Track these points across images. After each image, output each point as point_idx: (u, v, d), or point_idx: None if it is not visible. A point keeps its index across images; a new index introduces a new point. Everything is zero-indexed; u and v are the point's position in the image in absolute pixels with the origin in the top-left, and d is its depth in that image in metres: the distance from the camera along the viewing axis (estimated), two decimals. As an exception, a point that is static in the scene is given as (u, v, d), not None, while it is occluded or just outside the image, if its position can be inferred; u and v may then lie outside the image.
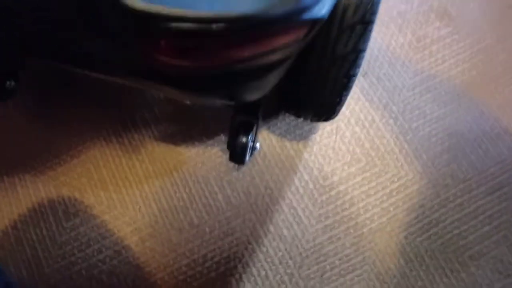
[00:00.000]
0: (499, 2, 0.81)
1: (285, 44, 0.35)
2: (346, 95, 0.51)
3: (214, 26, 0.28)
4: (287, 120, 0.74)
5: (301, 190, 0.70)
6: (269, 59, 0.37)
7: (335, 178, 0.70)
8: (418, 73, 0.76)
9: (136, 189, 0.72)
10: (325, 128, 0.73)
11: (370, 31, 0.44)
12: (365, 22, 0.42)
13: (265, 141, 0.73)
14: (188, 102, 0.52)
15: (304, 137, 0.73)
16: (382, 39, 0.78)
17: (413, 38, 0.78)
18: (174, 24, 0.28)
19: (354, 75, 0.47)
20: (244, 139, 0.62)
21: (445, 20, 0.79)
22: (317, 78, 0.48)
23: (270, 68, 0.39)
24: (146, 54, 0.34)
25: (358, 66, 0.46)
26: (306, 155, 0.72)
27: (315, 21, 0.34)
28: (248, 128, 0.62)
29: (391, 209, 0.69)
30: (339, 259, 0.66)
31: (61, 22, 0.38)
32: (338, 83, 0.47)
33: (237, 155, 0.62)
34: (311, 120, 0.66)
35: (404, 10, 0.80)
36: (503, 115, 0.74)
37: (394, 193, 0.69)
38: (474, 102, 0.75)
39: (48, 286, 0.69)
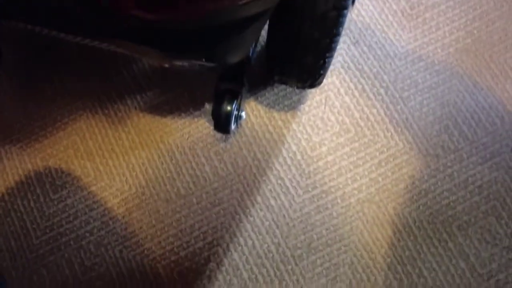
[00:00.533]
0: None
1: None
2: (330, 58, 0.49)
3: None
4: (275, 91, 0.72)
5: (288, 161, 0.69)
6: (244, 11, 0.35)
7: (324, 149, 0.69)
8: (411, 41, 0.74)
9: (122, 160, 0.71)
10: (314, 98, 0.71)
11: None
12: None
13: (253, 112, 0.71)
14: (167, 66, 0.50)
15: (292, 107, 0.71)
16: (374, 6, 0.75)
17: (407, 5, 0.76)
18: None
19: (337, 34, 0.45)
20: (228, 107, 0.61)
21: (441, -14, 0.76)
22: (299, 39, 0.46)
23: (246, 23, 0.38)
24: (119, 8, 0.32)
25: (341, 25, 0.44)
26: (294, 125, 0.70)
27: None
28: (232, 96, 0.61)
29: (380, 179, 0.68)
30: (326, 229, 0.66)
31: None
32: (321, 44, 0.46)
33: (222, 123, 0.61)
34: (297, 87, 0.65)
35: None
36: (496, 85, 0.72)
37: (383, 163, 0.68)
38: (467, 71, 0.73)
39: (37, 256, 0.70)
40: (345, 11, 0.45)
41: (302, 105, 0.71)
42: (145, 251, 0.68)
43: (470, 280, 0.65)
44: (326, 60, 0.49)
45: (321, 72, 0.52)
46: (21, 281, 0.68)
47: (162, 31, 0.37)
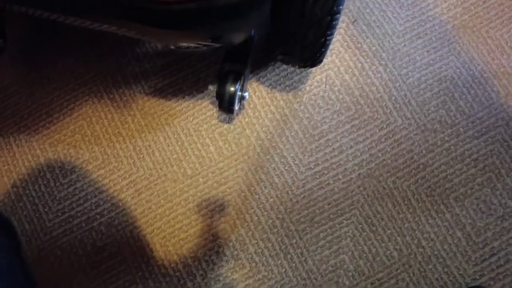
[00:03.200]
0: None
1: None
2: (331, 35, 0.51)
3: None
4: (277, 71, 0.73)
5: (291, 140, 0.71)
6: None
7: (325, 127, 0.71)
8: (409, 19, 0.75)
9: (129, 143, 0.73)
10: (314, 78, 0.73)
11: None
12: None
13: (255, 92, 0.73)
14: (173, 48, 0.52)
15: (294, 87, 0.73)
16: (373, -16, 0.76)
17: (405, -17, 0.76)
18: None
19: (338, 12, 0.47)
20: (232, 88, 0.62)
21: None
22: (302, 17, 0.47)
23: (250, 2, 0.39)
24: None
25: (341, 3, 0.46)
26: (296, 105, 0.72)
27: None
28: (236, 77, 0.62)
29: (380, 155, 0.70)
30: (328, 204, 0.69)
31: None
32: (323, 22, 0.47)
33: (226, 103, 0.63)
34: (299, 66, 0.66)
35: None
36: (493, 60, 0.74)
37: (382, 140, 0.70)
38: (464, 47, 0.74)
39: (51, 238, 0.72)
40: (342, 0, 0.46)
41: (303, 85, 0.73)
42: (155, 230, 0.71)
43: (466, 248, 0.68)
44: (327, 38, 0.50)
45: (323, 50, 0.54)
46: (38, 262, 0.71)
47: (170, 11, 0.38)
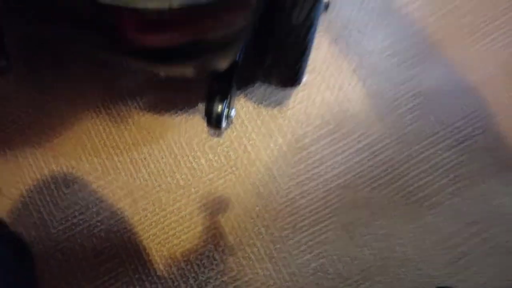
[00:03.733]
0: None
1: (233, 20, 0.40)
2: (306, 59, 0.56)
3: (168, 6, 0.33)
4: (263, 88, 0.79)
5: (275, 152, 0.77)
6: (227, 30, 0.42)
7: (307, 140, 0.76)
8: (387, 38, 0.80)
9: (126, 156, 0.79)
10: (297, 94, 0.78)
11: (320, 3, 0.49)
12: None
13: (243, 108, 0.78)
14: (162, 74, 0.57)
15: (278, 103, 0.78)
16: (353, 3, 0.81)
17: (382, 4, 0.81)
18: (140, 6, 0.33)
19: (310, 43, 0.52)
20: (219, 107, 0.67)
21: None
22: (277, 47, 0.53)
23: (230, 39, 0.44)
24: (120, 35, 0.39)
25: (314, 32, 0.51)
26: (280, 120, 0.78)
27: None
28: (222, 96, 0.68)
29: (357, 166, 0.75)
30: (309, 212, 0.74)
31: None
32: (295, 51, 0.53)
33: (213, 122, 0.68)
34: (280, 86, 0.71)
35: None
36: (467, 73, 0.79)
37: (360, 152, 0.76)
38: (440, 63, 0.79)
39: (55, 244, 0.79)
40: (317, 20, 0.51)
41: (287, 101, 0.78)
42: (151, 236, 0.77)
43: (437, 252, 0.73)
44: (303, 61, 0.56)
45: (300, 71, 0.59)
46: (42, 265, 0.78)
47: (162, 51, 0.43)
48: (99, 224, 0.78)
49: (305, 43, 0.53)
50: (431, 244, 0.73)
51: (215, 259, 0.75)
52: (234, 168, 0.77)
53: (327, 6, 0.66)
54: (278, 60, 0.57)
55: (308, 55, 0.56)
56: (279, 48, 0.54)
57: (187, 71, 0.54)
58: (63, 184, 0.80)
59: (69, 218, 0.79)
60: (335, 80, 0.78)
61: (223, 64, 0.55)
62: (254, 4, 0.40)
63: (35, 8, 0.48)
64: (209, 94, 0.68)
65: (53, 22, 0.50)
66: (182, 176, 0.77)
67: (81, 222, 0.79)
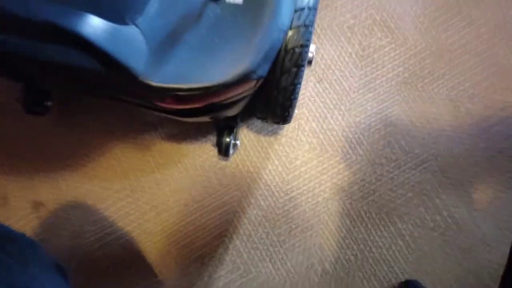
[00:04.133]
0: (429, 17, 1.00)
1: (242, 93, 0.57)
2: (293, 107, 0.73)
3: (198, 92, 0.51)
4: (261, 121, 0.96)
5: (273, 172, 0.94)
6: (235, 98, 0.59)
7: (298, 162, 0.94)
8: (363, 77, 0.98)
9: (151, 177, 0.96)
10: (290, 125, 0.95)
11: (303, 71, 0.66)
12: (296, 64, 0.63)
13: (246, 136, 0.96)
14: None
15: (274, 132, 0.96)
16: (334, 50, 0.99)
17: (359, 48, 0.99)
18: (181, 93, 0.50)
19: (295, 98, 0.70)
20: (227, 139, 0.85)
21: (385, 32, 1.00)
22: (271, 100, 0.70)
23: (237, 101, 0.62)
24: (161, 103, 0.56)
25: (299, 87, 0.68)
26: (276, 145, 0.95)
27: (258, 78, 0.55)
28: (229, 130, 0.85)
29: (339, 183, 0.93)
30: (302, 220, 0.91)
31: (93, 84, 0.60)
32: (284, 103, 0.70)
33: (223, 150, 0.85)
34: (274, 123, 0.89)
35: (353, 24, 1.00)
36: (427, 108, 0.96)
37: (341, 171, 0.93)
38: (405, 99, 0.97)
39: (87, 252, 0.95)
40: (299, 86, 0.69)
41: (281, 131, 0.95)
42: (172, 243, 0.93)
43: (406, 253, 0.90)
44: (290, 110, 0.73)
45: (289, 115, 0.76)
46: (75, 271, 0.94)
47: (182, 110, 0.61)
48: (128, 233, 0.95)
49: (292, 97, 0.71)
50: (400, 246, 0.90)
51: (225, 260, 0.91)
52: (239, 186, 0.94)
53: (310, 61, 0.83)
54: (271, 109, 0.74)
55: (295, 103, 0.74)
56: (272, 102, 0.71)
57: (204, 119, 0.71)
58: (97, 201, 0.97)
59: (99, 231, 0.95)
60: (319, 113, 0.96)
61: (232, 113, 0.73)
62: (257, 81, 0.57)
63: (86, 86, 0.65)
64: (219, 129, 0.86)
65: (102, 96, 0.67)
66: (198, 193, 0.94)
67: (112, 232, 0.95)
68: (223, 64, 0.53)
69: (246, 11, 0.56)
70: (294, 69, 0.64)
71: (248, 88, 0.58)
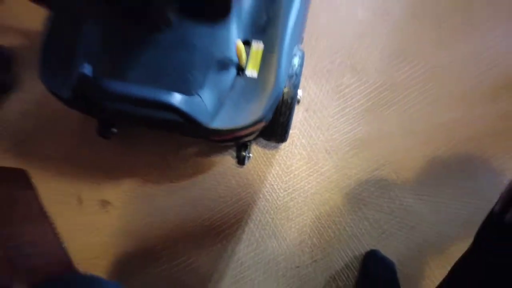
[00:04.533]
0: (387, 59, 1.39)
1: (257, 129, 0.95)
2: (288, 131, 1.11)
3: (232, 130, 0.89)
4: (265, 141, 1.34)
5: (275, 175, 1.32)
6: (253, 133, 0.97)
7: (292, 168, 1.32)
8: (337, 106, 1.36)
9: (189, 181, 1.34)
10: (286, 142, 1.34)
11: (293, 108, 1.05)
12: (289, 108, 1.02)
13: (255, 150, 1.34)
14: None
15: (275, 147, 1.34)
16: (316, 87, 1.37)
17: (335, 85, 1.38)
18: (224, 131, 0.89)
19: (289, 125, 1.08)
20: (243, 153, 1.23)
21: (354, 72, 1.38)
22: (273, 129, 1.08)
23: (252, 133, 1.00)
24: (209, 137, 0.94)
25: (290, 122, 1.07)
26: (277, 156, 1.33)
27: (266, 121, 0.94)
28: (245, 147, 1.23)
29: (322, 182, 1.31)
30: (296, 209, 1.29)
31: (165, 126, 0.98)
32: (282, 130, 1.09)
33: (240, 161, 1.24)
34: (275, 143, 1.27)
35: (330, 68, 1.39)
36: (383, 127, 1.35)
37: (323, 174, 1.31)
38: (370, 122, 1.36)
39: (139, 231, 1.32)
40: (292, 116, 1.07)
41: (279, 146, 1.34)
42: (205, 231, 1.31)
43: (370, 231, 1.28)
44: (286, 134, 1.11)
45: (285, 134, 1.14)
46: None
47: (221, 140, 0.99)
48: (164, 225, 1.33)
49: (287, 126, 1.09)
50: (366, 227, 1.29)
51: (242, 238, 1.29)
52: (251, 185, 1.32)
53: (299, 101, 1.22)
54: (273, 133, 1.13)
55: (289, 129, 1.12)
56: (273, 130, 1.10)
57: (231, 143, 1.10)
58: (145, 196, 1.35)
59: (147, 216, 1.33)
60: (307, 132, 1.34)
61: (249, 139, 1.12)
62: (265, 122, 0.96)
63: (159, 127, 1.03)
64: (238, 146, 1.24)
65: (164, 130, 1.06)
66: (222, 191, 1.32)
67: (153, 223, 1.33)
68: (246, 114, 0.91)
69: (259, 81, 0.94)
70: (288, 111, 1.03)
71: (260, 127, 0.97)
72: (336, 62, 1.39)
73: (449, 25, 1.42)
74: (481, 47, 1.39)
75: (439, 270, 1.23)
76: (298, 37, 1.03)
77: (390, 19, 1.42)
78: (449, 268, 0.74)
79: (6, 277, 1.13)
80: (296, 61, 1.01)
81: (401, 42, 1.40)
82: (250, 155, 1.28)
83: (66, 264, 1.35)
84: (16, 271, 1.16)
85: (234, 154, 1.31)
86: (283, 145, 1.34)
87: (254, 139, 1.33)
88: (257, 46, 0.92)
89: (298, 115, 1.36)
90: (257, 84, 0.93)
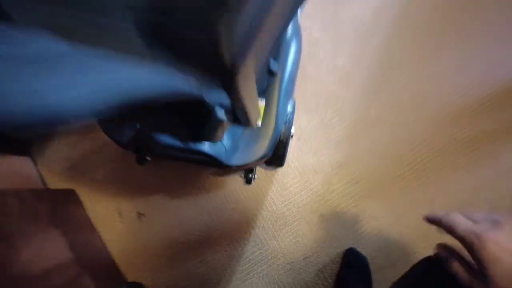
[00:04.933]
0: (361, 98, 1.76)
1: (262, 161, 1.32)
2: (284, 158, 1.48)
3: (244, 165, 1.25)
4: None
5: (274, 191, 1.69)
6: (259, 163, 1.34)
7: (288, 185, 1.69)
8: (323, 135, 1.73)
9: (207, 196, 1.70)
10: (283, 166, 1.71)
11: (288, 143, 1.41)
12: (285, 144, 1.39)
13: (259, 172, 1.70)
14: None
15: (274, 170, 1.71)
16: (306, 120, 1.74)
17: (320, 119, 1.75)
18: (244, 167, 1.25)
19: (285, 154, 1.45)
20: (250, 175, 1.59)
21: (334, 108, 1.75)
22: (272, 158, 1.45)
23: (258, 164, 1.37)
24: (229, 169, 1.31)
25: (286, 151, 1.44)
26: (276, 176, 1.70)
27: (269, 155, 1.30)
28: (252, 170, 1.60)
29: (312, 196, 1.68)
30: (291, 217, 1.66)
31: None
32: (280, 158, 1.45)
33: (248, 181, 1.60)
34: (274, 167, 1.64)
35: (317, 105, 1.76)
36: (359, 152, 1.72)
37: (312, 190, 1.68)
38: (348, 147, 1.73)
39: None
40: (287, 147, 1.44)
41: (277, 169, 1.71)
42: (219, 232, 1.67)
43: (350, 235, 1.65)
44: (283, 160, 1.47)
45: (282, 162, 1.51)
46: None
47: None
48: (186, 231, 1.69)
49: (284, 156, 1.46)
50: (344, 227, 1.66)
51: (249, 240, 1.66)
52: (256, 199, 1.68)
53: (292, 136, 1.59)
54: (273, 161, 1.49)
55: (285, 158, 1.49)
56: (273, 160, 1.46)
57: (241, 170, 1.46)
58: (169, 208, 1.70)
59: (173, 224, 1.69)
60: (299, 157, 1.71)
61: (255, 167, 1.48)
62: (269, 156, 1.33)
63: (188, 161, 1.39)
64: (246, 170, 1.61)
65: (190, 163, 1.42)
66: (234, 203, 1.68)
67: (178, 230, 1.69)
68: (254, 153, 1.28)
69: (262, 128, 1.31)
70: (284, 146, 1.40)
71: (264, 160, 1.34)
72: (321, 101, 1.77)
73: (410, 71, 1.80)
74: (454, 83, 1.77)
75: (400, 261, 1.60)
76: (290, 92, 1.40)
77: (364, 69, 1.79)
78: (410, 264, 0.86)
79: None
80: (289, 108, 1.38)
81: (374, 84, 1.77)
82: (255, 176, 1.64)
83: (111, 264, 1.71)
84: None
85: (243, 175, 1.68)
86: (280, 168, 1.72)
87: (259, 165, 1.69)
88: (260, 104, 1.29)
89: (292, 143, 1.73)
90: (261, 130, 1.30)
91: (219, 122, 0.74)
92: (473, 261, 0.52)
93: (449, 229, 0.56)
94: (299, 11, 1.42)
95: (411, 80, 1.75)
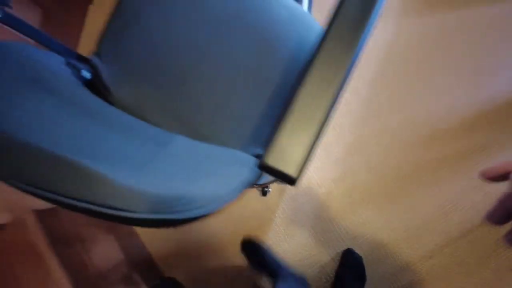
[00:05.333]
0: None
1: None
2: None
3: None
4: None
5: (285, 200, 2.06)
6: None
7: (292, 194, 2.07)
8: (319, 161, 2.12)
9: (234, 208, 2.09)
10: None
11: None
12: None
13: (273, 186, 2.09)
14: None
15: (283, 185, 2.09)
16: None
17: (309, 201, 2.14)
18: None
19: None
20: (265, 188, 1.98)
21: (332, 125, 2.14)
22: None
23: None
24: None
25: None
26: (286, 189, 2.08)
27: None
28: (266, 187, 1.98)
29: (311, 201, 2.06)
30: (298, 223, 2.04)
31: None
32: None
33: (263, 193, 1.98)
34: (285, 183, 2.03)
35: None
36: (346, 167, 2.10)
37: (314, 197, 2.06)
38: (337, 160, 2.11)
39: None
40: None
41: (283, 185, 2.09)
42: (240, 234, 2.05)
43: (348, 237, 2.02)
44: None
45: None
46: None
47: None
48: (212, 234, 2.07)
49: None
50: (344, 231, 2.02)
51: (264, 238, 2.03)
52: (269, 208, 2.06)
53: (265, 193, 1.98)
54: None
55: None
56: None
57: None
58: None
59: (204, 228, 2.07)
60: (305, 174, 2.10)
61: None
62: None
63: None
64: (263, 193, 2.00)
65: None
66: (251, 212, 2.06)
67: (206, 234, 2.08)
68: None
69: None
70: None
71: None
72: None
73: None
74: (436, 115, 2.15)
75: (388, 259, 1.96)
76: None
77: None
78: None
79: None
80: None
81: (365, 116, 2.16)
82: (270, 190, 2.04)
83: (149, 261, 2.10)
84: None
85: (260, 188, 2.07)
86: (286, 186, 2.10)
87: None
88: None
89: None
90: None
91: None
92: None
93: None
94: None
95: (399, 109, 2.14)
